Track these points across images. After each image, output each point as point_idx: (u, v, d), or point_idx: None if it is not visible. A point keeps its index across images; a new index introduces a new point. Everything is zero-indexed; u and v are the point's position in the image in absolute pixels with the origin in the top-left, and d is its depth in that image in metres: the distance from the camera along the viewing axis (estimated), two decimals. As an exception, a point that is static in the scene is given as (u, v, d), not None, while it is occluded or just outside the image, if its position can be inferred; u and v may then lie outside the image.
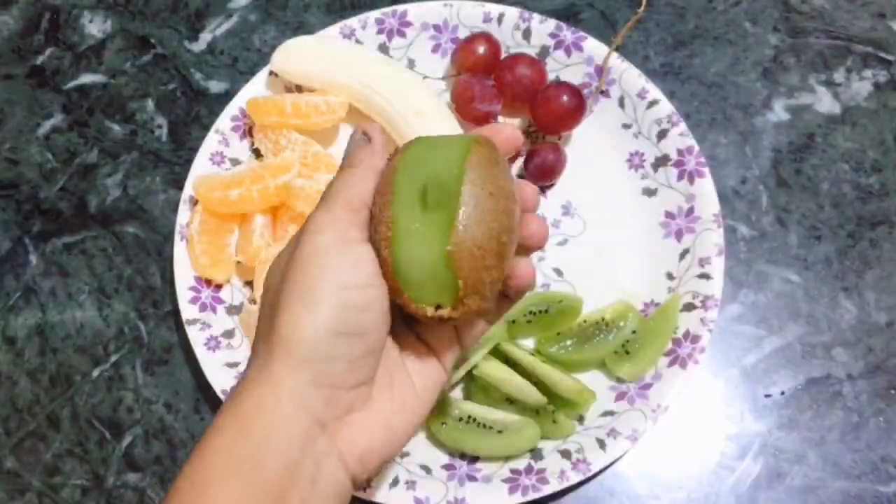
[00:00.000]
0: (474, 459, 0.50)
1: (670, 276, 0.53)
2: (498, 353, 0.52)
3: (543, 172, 0.55)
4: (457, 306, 0.33)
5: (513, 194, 0.34)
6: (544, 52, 0.58)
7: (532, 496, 0.48)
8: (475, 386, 0.51)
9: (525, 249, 0.37)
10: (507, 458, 0.50)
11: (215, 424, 0.33)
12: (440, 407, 0.50)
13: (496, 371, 0.50)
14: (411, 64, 0.59)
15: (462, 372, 0.50)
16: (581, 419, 0.51)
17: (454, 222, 0.32)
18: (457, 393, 0.53)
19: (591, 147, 0.57)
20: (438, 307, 0.33)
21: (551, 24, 0.58)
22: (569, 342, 0.52)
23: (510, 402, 0.50)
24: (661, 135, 0.55)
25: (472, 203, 0.32)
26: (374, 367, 0.34)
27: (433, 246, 0.32)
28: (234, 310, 0.54)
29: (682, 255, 0.53)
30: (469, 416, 0.49)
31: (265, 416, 0.32)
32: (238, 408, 0.33)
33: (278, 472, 0.31)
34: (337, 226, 0.33)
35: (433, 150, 0.35)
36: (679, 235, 0.54)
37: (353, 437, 0.33)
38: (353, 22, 0.58)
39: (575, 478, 0.48)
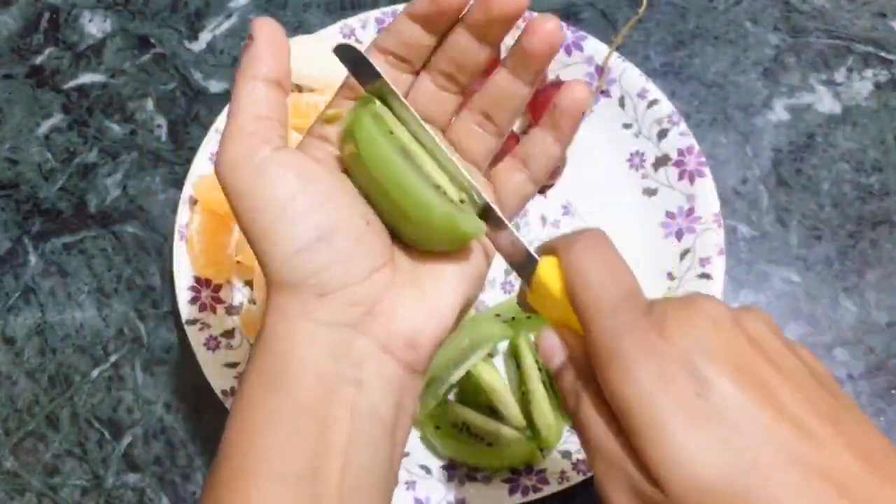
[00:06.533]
0: (474, 460, 0.50)
1: (671, 276, 0.53)
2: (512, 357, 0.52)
3: (543, 172, 0.55)
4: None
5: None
6: (544, 51, 0.58)
7: (532, 496, 0.48)
8: (467, 385, 0.51)
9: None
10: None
11: (245, 369, 0.32)
12: (435, 409, 0.50)
13: (490, 378, 0.50)
14: (411, 64, 0.59)
15: (461, 372, 0.50)
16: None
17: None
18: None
19: (591, 147, 0.57)
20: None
21: (551, 23, 0.57)
22: None
23: (492, 411, 0.50)
24: (662, 134, 0.55)
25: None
26: (377, 250, 0.31)
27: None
28: (233, 310, 0.53)
29: (683, 255, 0.53)
30: (463, 423, 0.49)
31: (284, 342, 0.30)
32: (260, 343, 0.31)
33: (312, 387, 0.30)
34: (234, 155, 0.31)
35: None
36: (679, 235, 0.54)
37: (390, 325, 0.31)
38: (353, 22, 0.58)
39: (575, 478, 0.48)
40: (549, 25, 0.33)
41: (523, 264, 0.33)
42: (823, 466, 0.25)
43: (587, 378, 0.30)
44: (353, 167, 0.32)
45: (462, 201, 0.32)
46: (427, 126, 0.33)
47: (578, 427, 0.30)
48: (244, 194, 0.30)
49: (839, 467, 0.25)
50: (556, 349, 0.31)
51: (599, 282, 0.30)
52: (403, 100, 0.33)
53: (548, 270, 0.32)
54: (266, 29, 0.32)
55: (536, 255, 0.32)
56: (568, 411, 0.31)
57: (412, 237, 0.32)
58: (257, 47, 0.32)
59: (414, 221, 0.31)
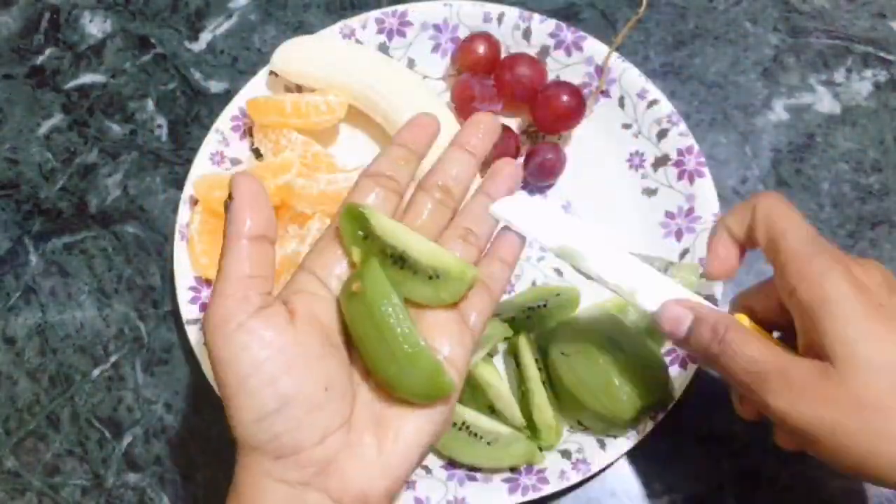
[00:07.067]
0: (474, 459, 0.50)
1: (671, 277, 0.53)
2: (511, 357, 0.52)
3: (543, 172, 0.55)
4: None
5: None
6: (544, 51, 0.58)
7: (532, 496, 0.48)
8: (467, 385, 0.51)
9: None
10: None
11: None
12: None
13: (489, 375, 0.50)
14: (411, 64, 0.59)
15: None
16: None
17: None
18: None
19: (591, 147, 0.57)
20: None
21: (551, 23, 0.58)
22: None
23: (491, 410, 0.50)
24: (661, 135, 0.55)
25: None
26: (333, 414, 0.33)
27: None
28: (234, 310, 0.53)
29: (682, 254, 0.53)
30: (462, 423, 0.49)
31: (250, 493, 0.33)
32: (232, 489, 0.34)
33: None
34: (213, 318, 0.32)
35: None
36: (679, 235, 0.54)
37: (343, 484, 0.33)
38: (353, 22, 0.58)
39: (575, 478, 0.48)
40: (512, 164, 0.42)
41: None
42: None
43: (726, 323, 0.37)
44: (353, 302, 0.34)
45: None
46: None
47: (728, 365, 0.37)
48: (218, 358, 0.33)
49: None
50: (681, 314, 0.39)
51: (797, 220, 0.37)
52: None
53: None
54: (243, 186, 0.34)
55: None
56: (709, 360, 0.38)
57: (391, 378, 0.34)
58: (237, 206, 0.33)
59: (401, 363, 0.33)
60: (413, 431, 0.34)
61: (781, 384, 0.35)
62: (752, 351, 0.36)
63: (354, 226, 0.36)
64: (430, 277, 0.36)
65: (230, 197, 0.34)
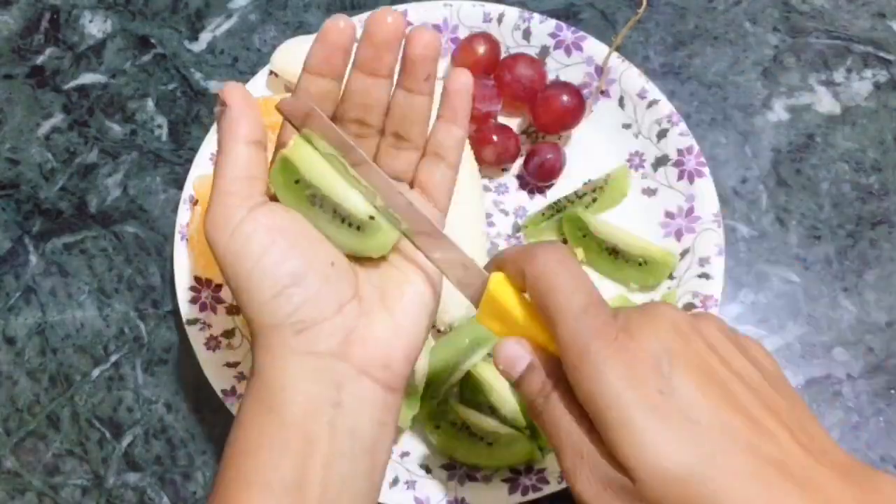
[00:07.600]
0: (474, 459, 0.50)
1: (670, 276, 0.53)
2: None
3: (543, 172, 0.56)
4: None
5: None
6: (544, 52, 0.58)
7: (532, 496, 0.48)
8: (467, 385, 0.51)
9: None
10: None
11: (243, 395, 0.36)
12: (436, 409, 0.50)
13: (490, 378, 0.50)
14: (411, 64, 0.59)
15: (461, 372, 0.50)
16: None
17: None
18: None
19: (591, 147, 0.57)
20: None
21: (551, 23, 0.58)
22: None
23: (492, 410, 0.50)
24: (661, 135, 0.55)
25: None
26: (344, 285, 0.35)
27: None
28: (234, 310, 0.54)
29: (683, 254, 0.54)
30: (462, 423, 0.49)
31: (271, 372, 0.34)
32: (252, 374, 0.35)
33: (297, 408, 0.33)
34: (216, 217, 0.34)
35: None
36: (679, 235, 0.54)
37: (365, 352, 0.34)
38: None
39: (575, 478, 0.48)
40: (426, 34, 0.36)
41: (468, 283, 0.35)
42: (770, 453, 0.29)
43: (555, 379, 0.33)
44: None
45: (371, 217, 0.36)
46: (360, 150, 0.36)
47: (546, 426, 0.33)
48: (225, 252, 0.34)
49: (782, 453, 0.29)
50: (518, 356, 0.34)
51: (568, 288, 0.32)
52: (337, 129, 0.36)
53: (499, 285, 0.34)
54: (238, 94, 0.35)
55: (485, 272, 0.35)
56: (533, 413, 0.34)
57: (333, 240, 0.36)
58: (234, 111, 0.35)
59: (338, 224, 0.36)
60: (415, 293, 0.36)
61: (591, 478, 0.31)
62: (573, 427, 0.32)
63: (287, 176, 0.36)
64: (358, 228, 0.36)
65: (223, 104, 0.35)
